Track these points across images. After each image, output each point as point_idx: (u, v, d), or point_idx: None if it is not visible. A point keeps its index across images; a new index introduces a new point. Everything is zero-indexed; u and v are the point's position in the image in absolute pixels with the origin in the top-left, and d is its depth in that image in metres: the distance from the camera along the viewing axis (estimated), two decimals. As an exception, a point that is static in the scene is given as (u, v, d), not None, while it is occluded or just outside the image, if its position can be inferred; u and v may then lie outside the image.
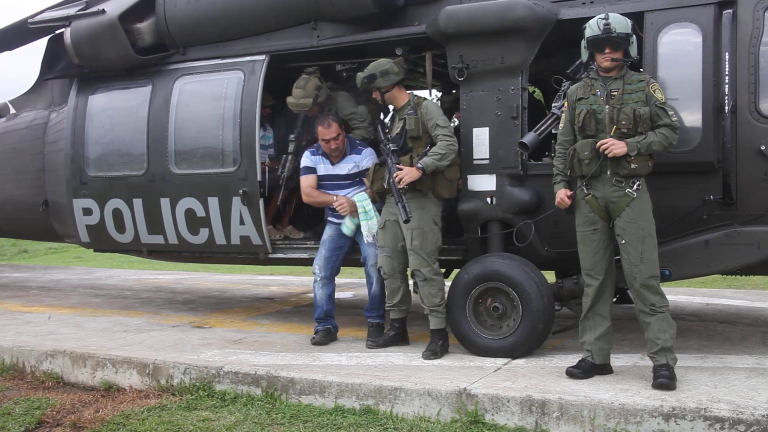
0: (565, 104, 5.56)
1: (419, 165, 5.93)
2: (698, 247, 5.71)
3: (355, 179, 6.70)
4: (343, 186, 6.71)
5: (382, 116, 7.68)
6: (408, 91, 6.51)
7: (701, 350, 6.17)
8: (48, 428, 5.53)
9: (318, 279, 6.80)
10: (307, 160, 6.86)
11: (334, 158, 6.73)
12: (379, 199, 6.41)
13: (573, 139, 5.46)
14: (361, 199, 6.59)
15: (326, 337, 6.69)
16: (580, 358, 5.51)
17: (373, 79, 6.19)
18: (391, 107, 6.59)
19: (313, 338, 6.69)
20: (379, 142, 6.32)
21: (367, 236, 6.58)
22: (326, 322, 6.78)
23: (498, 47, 6.14)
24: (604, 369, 5.47)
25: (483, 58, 6.21)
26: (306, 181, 6.82)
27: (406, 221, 5.95)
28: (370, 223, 6.54)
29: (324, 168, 6.79)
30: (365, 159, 6.70)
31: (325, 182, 6.78)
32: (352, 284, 10.30)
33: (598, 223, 5.35)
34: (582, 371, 5.38)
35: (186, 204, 7.57)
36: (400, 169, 5.99)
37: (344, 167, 6.70)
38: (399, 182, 5.93)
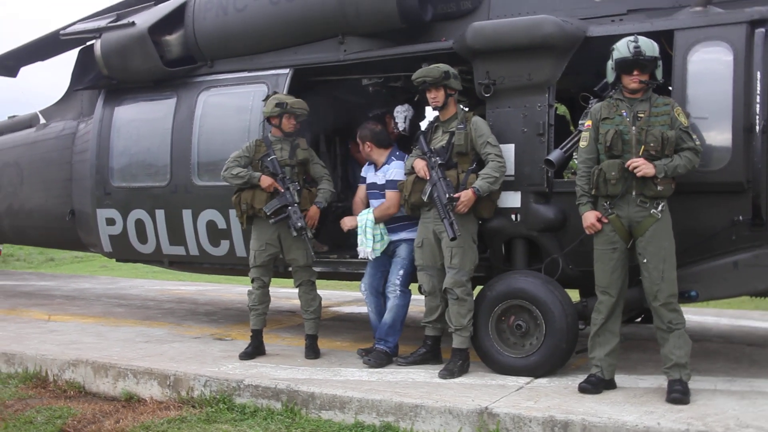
0: (588, 122, 5.53)
1: (476, 190, 5.86)
2: (727, 268, 5.64)
3: (383, 189, 6.59)
4: (377, 196, 6.64)
5: (422, 126, 7.57)
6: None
7: (729, 373, 6.07)
8: (68, 437, 5.56)
9: (364, 297, 6.80)
10: (363, 168, 6.91)
11: (373, 162, 6.73)
12: (411, 212, 6.31)
13: (596, 157, 5.46)
14: (362, 214, 6.55)
15: (378, 361, 6.35)
16: (589, 374, 5.55)
17: (448, 77, 6.05)
18: (434, 112, 6.35)
19: (365, 357, 6.45)
20: (422, 153, 6.17)
21: (359, 252, 6.52)
22: (382, 342, 6.49)
23: (525, 64, 6.10)
24: (611, 384, 5.56)
25: (510, 75, 6.18)
26: (358, 191, 6.91)
27: (453, 239, 5.82)
28: (363, 239, 6.46)
29: (369, 176, 6.77)
30: (391, 168, 6.58)
31: (369, 191, 6.76)
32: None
33: (618, 242, 5.39)
34: (593, 386, 5.46)
35: (207, 216, 7.60)
36: (448, 182, 5.93)
37: (380, 176, 6.64)
38: (458, 208, 5.82)
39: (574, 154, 6.18)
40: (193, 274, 10.10)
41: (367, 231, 6.46)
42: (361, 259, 6.67)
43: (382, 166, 6.65)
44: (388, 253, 6.66)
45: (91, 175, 8.43)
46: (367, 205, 6.72)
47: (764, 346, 7.24)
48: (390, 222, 6.56)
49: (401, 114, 7.04)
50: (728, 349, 7.13)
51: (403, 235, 6.56)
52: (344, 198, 7.95)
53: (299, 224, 6.49)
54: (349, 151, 8.39)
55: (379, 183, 6.62)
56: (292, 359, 6.68)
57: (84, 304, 10.44)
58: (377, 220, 6.48)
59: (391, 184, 6.49)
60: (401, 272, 6.53)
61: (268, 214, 6.59)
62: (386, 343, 6.48)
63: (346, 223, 6.71)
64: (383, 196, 6.56)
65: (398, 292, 6.50)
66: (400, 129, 7.05)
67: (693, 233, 5.65)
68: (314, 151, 7.24)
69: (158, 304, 10.38)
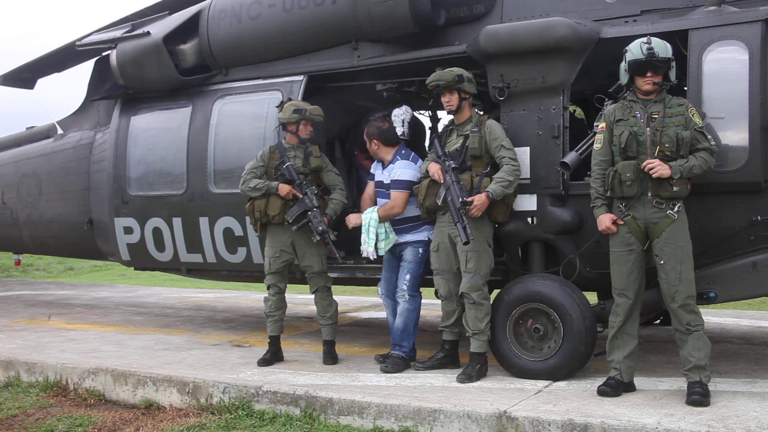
0: (602, 125, 5.52)
1: (489, 194, 5.85)
2: (745, 269, 5.60)
3: (389, 188, 6.57)
4: (383, 195, 6.61)
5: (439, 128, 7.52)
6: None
7: (749, 375, 6.02)
8: (89, 446, 5.59)
9: (382, 300, 6.81)
10: (372, 165, 6.89)
11: (379, 159, 6.68)
12: (427, 216, 6.32)
13: (611, 159, 5.45)
14: (366, 213, 6.54)
15: (395, 366, 6.37)
16: (608, 376, 5.54)
17: (461, 80, 6.05)
18: (448, 116, 6.37)
19: (382, 364, 6.45)
20: (437, 157, 6.17)
21: (362, 251, 6.52)
22: (398, 347, 6.49)
23: (539, 66, 6.09)
24: (630, 386, 5.55)
25: (524, 78, 6.17)
26: (366, 188, 6.89)
27: (466, 243, 5.82)
28: (366, 238, 6.46)
29: (377, 174, 6.74)
30: (396, 168, 6.53)
31: (376, 189, 6.73)
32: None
33: (634, 244, 5.38)
34: (612, 389, 5.44)
35: (224, 223, 7.64)
36: (462, 186, 5.93)
37: (386, 175, 6.61)
38: (471, 211, 5.81)
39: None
40: (211, 281, 10.14)
41: (370, 230, 6.45)
42: (365, 260, 6.67)
43: (388, 164, 6.62)
44: (396, 255, 6.65)
45: (109, 184, 8.50)
46: (375, 203, 6.71)
47: (785, 347, 7.18)
48: (394, 223, 6.54)
49: (399, 118, 6.98)
50: (749, 350, 7.07)
51: (408, 237, 6.54)
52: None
53: (320, 228, 6.51)
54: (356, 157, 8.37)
55: (385, 182, 6.60)
56: (311, 365, 6.70)
57: (103, 312, 10.51)
58: (381, 220, 6.47)
59: (396, 184, 6.48)
60: (408, 277, 6.50)
61: (290, 221, 6.61)
62: (401, 348, 6.47)
63: (351, 220, 6.72)
64: (387, 195, 6.54)
65: (407, 296, 6.48)
66: (399, 133, 7.02)
67: (711, 234, 5.62)
68: (329, 156, 7.24)
69: (176, 312, 10.44)
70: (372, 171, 6.85)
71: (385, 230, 6.50)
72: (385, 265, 6.75)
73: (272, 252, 6.77)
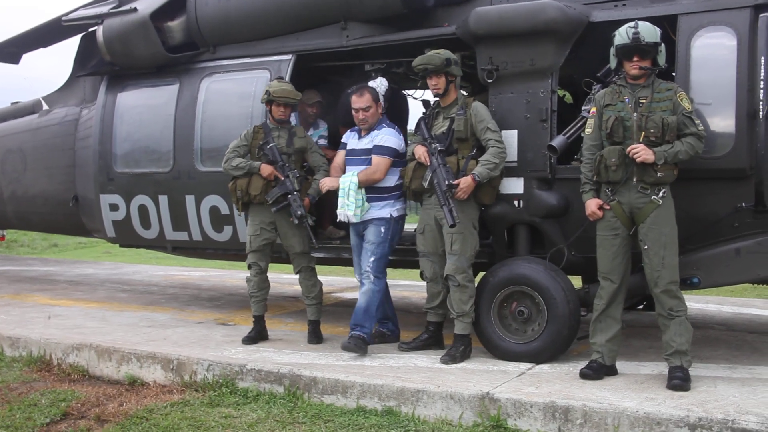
0: (593, 109, 5.53)
1: (476, 176, 5.85)
2: (729, 255, 5.64)
3: (368, 155, 6.44)
4: (358, 162, 6.47)
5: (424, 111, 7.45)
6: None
7: (730, 360, 6.08)
8: (72, 420, 5.60)
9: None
10: (345, 135, 6.76)
11: (364, 132, 6.52)
12: (413, 198, 6.32)
13: (601, 144, 5.47)
14: (345, 177, 6.39)
15: (358, 345, 6.21)
16: (590, 359, 5.58)
17: (449, 63, 6.00)
18: (434, 98, 6.33)
19: (345, 340, 6.33)
20: (423, 139, 6.14)
21: (340, 215, 6.41)
22: (358, 328, 6.33)
23: (528, 49, 6.09)
24: (612, 370, 5.58)
25: (513, 60, 6.16)
26: (336, 157, 6.76)
27: (452, 226, 5.82)
28: (345, 201, 6.32)
29: (351, 143, 6.60)
30: (380, 134, 6.42)
31: (347, 157, 6.59)
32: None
33: (620, 228, 5.41)
34: (594, 372, 5.48)
35: (210, 201, 7.62)
36: (448, 168, 5.91)
37: (364, 142, 6.48)
38: (457, 194, 5.80)
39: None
40: (197, 259, 10.11)
41: (350, 194, 6.33)
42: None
43: (370, 131, 6.48)
44: (359, 233, 6.56)
45: (95, 161, 8.44)
46: (344, 172, 6.55)
47: (766, 334, 7.23)
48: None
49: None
50: (730, 336, 7.13)
51: (371, 213, 6.40)
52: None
53: (299, 212, 6.49)
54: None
55: (360, 148, 6.47)
56: (295, 344, 6.71)
57: (88, 289, 10.48)
58: (361, 184, 6.34)
59: (379, 149, 6.37)
60: (372, 258, 6.36)
61: (269, 202, 6.59)
62: (362, 328, 6.26)
63: (326, 183, 6.58)
64: (363, 162, 6.43)
65: (372, 277, 6.34)
66: None
67: (696, 220, 5.65)
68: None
69: (162, 290, 10.42)
70: (344, 140, 6.72)
71: (362, 197, 6.38)
72: (354, 250, 6.68)
73: (253, 230, 6.75)
